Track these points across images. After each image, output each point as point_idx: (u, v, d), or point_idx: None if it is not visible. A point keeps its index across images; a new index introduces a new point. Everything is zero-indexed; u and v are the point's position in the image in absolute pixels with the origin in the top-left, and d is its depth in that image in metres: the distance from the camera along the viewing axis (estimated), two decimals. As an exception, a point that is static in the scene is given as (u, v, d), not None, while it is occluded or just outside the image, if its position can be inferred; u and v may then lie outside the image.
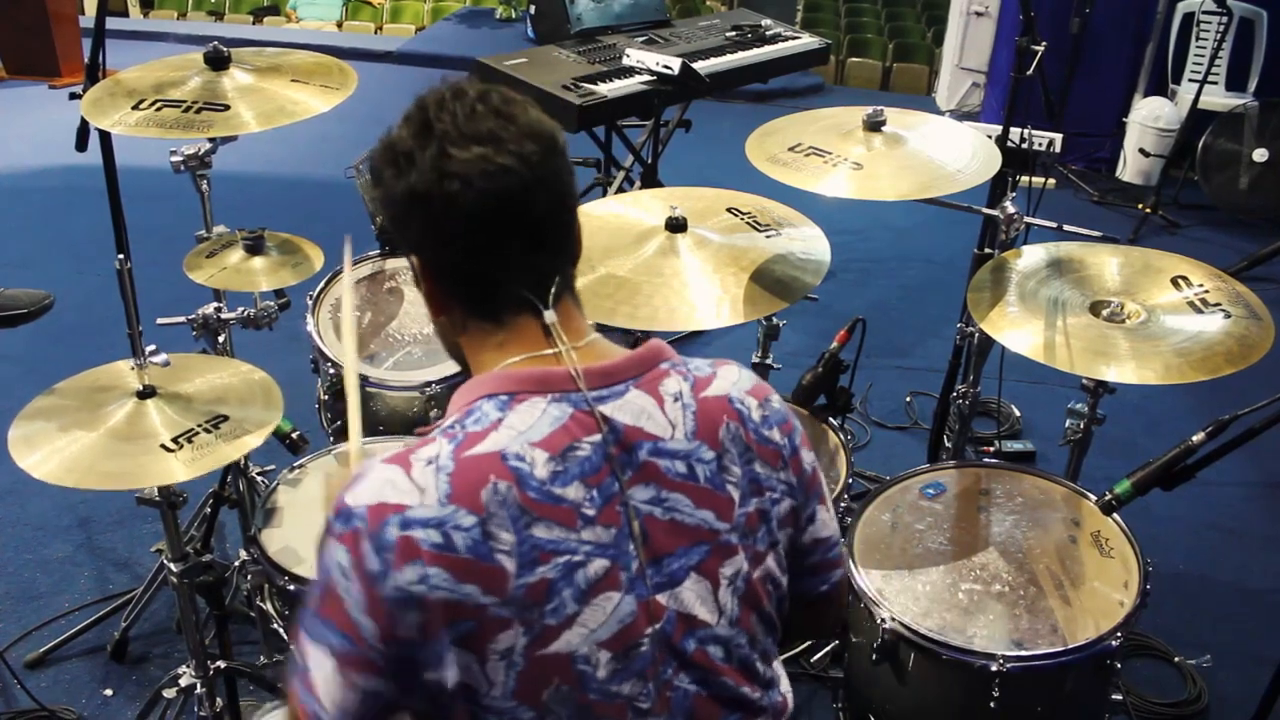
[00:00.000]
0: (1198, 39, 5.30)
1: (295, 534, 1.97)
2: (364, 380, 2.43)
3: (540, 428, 0.97)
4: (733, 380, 1.10)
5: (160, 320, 2.30)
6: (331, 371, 2.45)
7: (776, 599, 1.11)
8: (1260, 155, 4.89)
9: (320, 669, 0.94)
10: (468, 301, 1.04)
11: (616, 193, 3.68)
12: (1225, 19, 4.93)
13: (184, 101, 2.06)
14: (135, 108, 2.03)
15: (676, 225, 2.03)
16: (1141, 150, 5.40)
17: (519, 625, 0.93)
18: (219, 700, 2.04)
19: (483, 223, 0.98)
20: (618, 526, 0.98)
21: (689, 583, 1.01)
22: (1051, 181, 5.18)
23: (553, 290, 1.03)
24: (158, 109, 2.04)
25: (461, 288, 1.04)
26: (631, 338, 1.90)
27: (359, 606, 0.92)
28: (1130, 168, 5.52)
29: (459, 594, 0.91)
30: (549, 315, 1.03)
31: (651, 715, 1.00)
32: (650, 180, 3.82)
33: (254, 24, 9.33)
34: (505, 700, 0.94)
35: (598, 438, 0.98)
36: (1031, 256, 2.21)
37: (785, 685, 1.16)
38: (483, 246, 0.99)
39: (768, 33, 3.90)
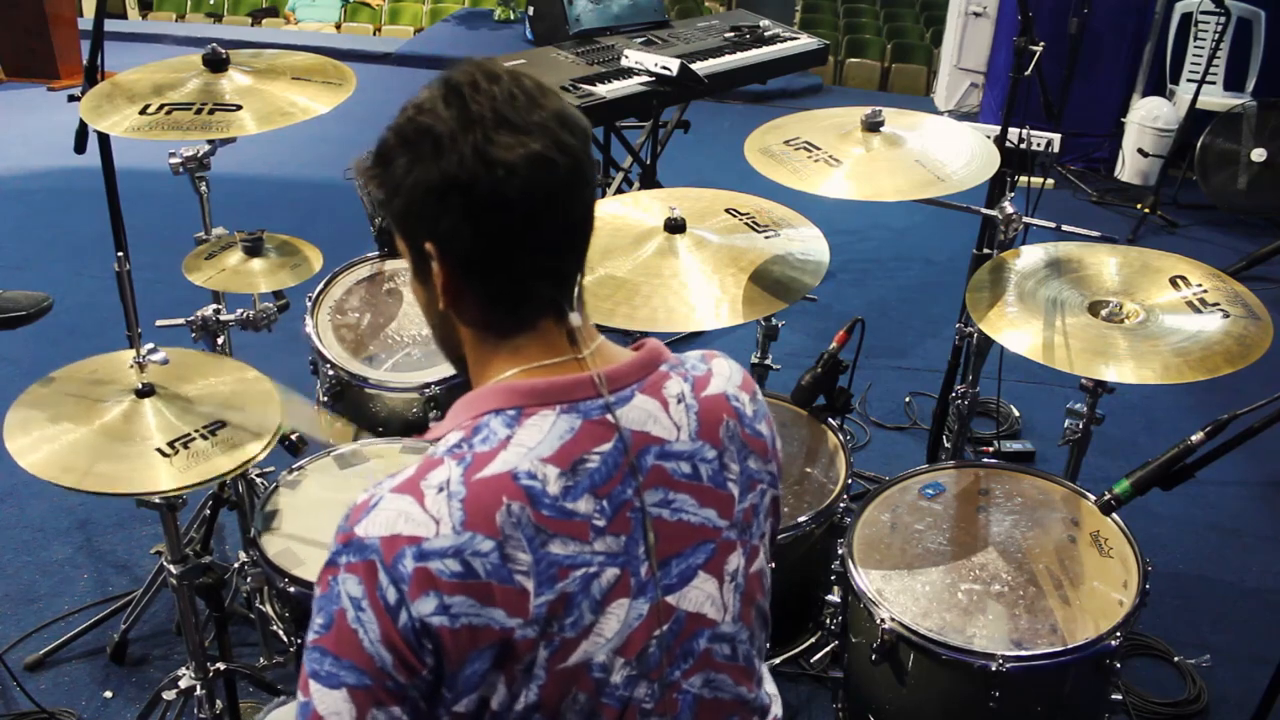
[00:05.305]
0: (1196, 39, 5.30)
1: (295, 536, 1.97)
2: (363, 382, 2.43)
3: (550, 442, 0.95)
4: (726, 376, 1.09)
5: (159, 322, 2.30)
6: (330, 373, 2.45)
7: (768, 591, 1.12)
8: (1258, 155, 4.89)
9: (333, 709, 0.90)
10: (489, 299, 0.99)
11: (615, 194, 3.68)
12: (1223, 19, 4.93)
13: (193, 103, 2.04)
14: (143, 112, 2.01)
15: (675, 226, 2.03)
16: (1140, 150, 5.40)
17: (542, 641, 0.92)
18: (219, 702, 2.04)
19: (523, 215, 0.93)
20: (627, 533, 0.97)
21: (697, 582, 1.02)
22: (1050, 182, 5.18)
23: (576, 292, 1.01)
24: (167, 112, 2.02)
25: (485, 284, 0.97)
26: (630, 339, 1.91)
27: (376, 638, 0.89)
28: (1129, 168, 5.52)
29: (484, 618, 0.90)
30: (575, 318, 0.99)
31: (654, 716, 1.00)
32: (649, 181, 3.82)
33: (253, 25, 9.34)
34: (525, 713, 0.93)
35: (607, 447, 0.97)
36: (1030, 256, 2.21)
37: (770, 686, 1.17)
38: (517, 240, 0.94)
39: (766, 33, 3.90)
